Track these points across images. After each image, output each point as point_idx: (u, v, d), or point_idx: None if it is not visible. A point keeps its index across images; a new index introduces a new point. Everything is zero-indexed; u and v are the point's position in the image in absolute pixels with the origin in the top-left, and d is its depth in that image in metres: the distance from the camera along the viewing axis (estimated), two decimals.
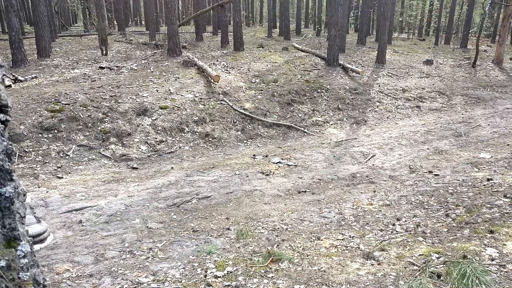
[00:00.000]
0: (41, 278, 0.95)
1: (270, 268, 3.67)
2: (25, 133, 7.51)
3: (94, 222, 5.15)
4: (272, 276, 3.49)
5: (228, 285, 3.43)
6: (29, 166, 7.01)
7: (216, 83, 10.80)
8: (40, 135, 7.60)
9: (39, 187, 6.31)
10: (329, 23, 15.02)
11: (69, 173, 6.98)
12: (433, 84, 13.52)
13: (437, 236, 3.84)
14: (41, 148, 7.38)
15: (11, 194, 0.87)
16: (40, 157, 7.23)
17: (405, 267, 3.10)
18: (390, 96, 12.09)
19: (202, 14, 20.60)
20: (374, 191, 5.81)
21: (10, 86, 10.01)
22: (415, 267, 2.97)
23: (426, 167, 6.87)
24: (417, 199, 5.28)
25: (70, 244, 4.55)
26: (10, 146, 0.93)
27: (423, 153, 7.67)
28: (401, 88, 12.72)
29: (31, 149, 7.32)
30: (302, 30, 27.68)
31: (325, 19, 27.37)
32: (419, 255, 3.29)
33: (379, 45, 15.74)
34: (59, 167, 7.07)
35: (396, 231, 4.30)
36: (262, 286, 3.33)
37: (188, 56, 13.69)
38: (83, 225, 5.04)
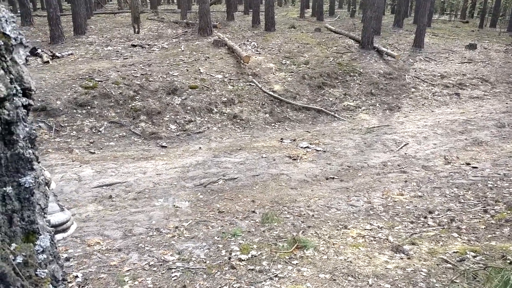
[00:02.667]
0: (59, 275, 0.92)
1: (295, 254, 3.63)
2: (61, 108, 7.71)
3: (123, 198, 5.25)
4: (296, 263, 3.45)
5: (252, 269, 3.42)
6: (64, 140, 7.22)
7: (246, 63, 10.68)
8: (75, 111, 7.78)
9: (73, 161, 6.49)
10: (365, 3, 14.47)
11: (101, 148, 7.14)
12: (476, 70, 12.84)
13: (473, 233, 3.67)
14: (75, 124, 7.57)
15: (31, 185, 0.83)
16: (74, 132, 7.42)
17: (437, 264, 2.98)
18: (426, 82, 11.60)
19: None
20: (406, 181, 5.63)
21: (48, 62, 10.26)
22: (449, 265, 2.85)
23: (464, 158, 6.58)
24: (452, 192, 5.07)
25: (101, 218, 4.67)
26: (34, 131, 0.89)
27: (460, 143, 7.34)
28: (439, 74, 12.18)
29: (66, 124, 7.52)
30: (335, 10, 26.90)
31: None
32: (453, 252, 3.15)
33: (417, 27, 15.06)
34: (92, 143, 7.24)
35: (428, 225, 4.15)
36: (286, 273, 3.30)
37: (219, 35, 13.58)
38: (113, 201, 5.15)
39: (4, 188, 0.79)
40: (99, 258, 3.76)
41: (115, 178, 5.82)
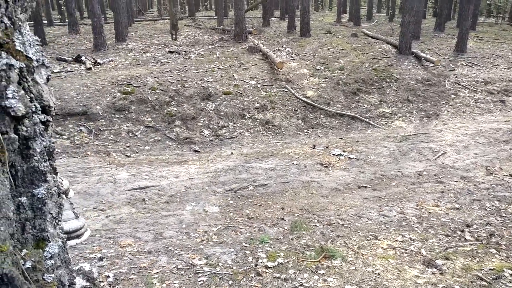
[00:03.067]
0: (66, 279, 0.97)
1: (322, 264, 3.57)
2: (100, 112, 8.04)
3: (155, 201, 5.38)
4: (323, 273, 3.40)
5: (278, 277, 3.40)
6: (103, 144, 7.51)
7: (279, 70, 10.69)
8: (113, 115, 8.09)
9: (110, 164, 6.73)
10: (403, 8, 14.12)
11: (137, 152, 7.37)
12: None
13: None
14: (113, 128, 7.87)
15: (44, 195, 0.88)
16: (112, 136, 7.71)
17: (471, 282, 2.84)
18: (468, 88, 11.12)
19: None
20: (442, 192, 5.41)
21: (90, 68, 10.75)
22: (484, 283, 2.70)
23: (507, 169, 6.24)
24: (492, 205, 4.82)
25: (134, 221, 4.81)
26: (52, 145, 0.94)
27: (504, 153, 6.96)
28: (482, 80, 11.64)
29: (104, 128, 7.83)
30: (373, 15, 26.39)
31: (400, 3, 25.78)
32: (490, 269, 2.98)
33: (459, 31, 14.49)
34: (128, 146, 7.49)
35: (465, 239, 3.96)
36: (311, 282, 3.25)
37: (254, 41, 13.68)
38: (145, 203, 5.29)
39: (19, 198, 0.84)
40: (130, 259, 3.86)
41: (149, 181, 5.98)
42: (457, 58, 13.42)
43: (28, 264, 0.85)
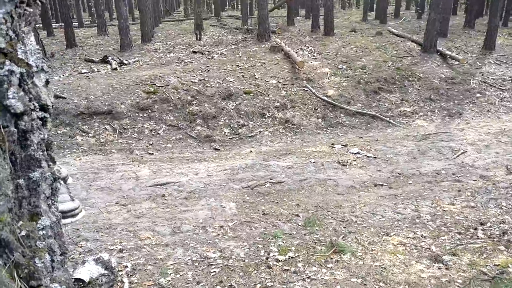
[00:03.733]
0: (56, 247, 1.14)
1: (331, 258, 3.66)
2: (124, 111, 8.36)
3: (175, 197, 5.58)
4: (331, 267, 3.49)
5: (287, 270, 3.51)
6: (126, 141, 7.82)
7: (300, 69, 10.76)
8: (137, 114, 8.40)
9: (132, 161, 7.02)
10: (430, 5, 13.86)
11: (159, 150, 7.64)
12: None
13: None
14: (136, 126, 8.17)
15: (38, 179, 1.07)
16: (135, 134, 8.02)
17: (474, 276, 2.86)
18: (494, 86, 10.83)
19: None
20: (459, 191, 5.36)
21: (116, 69, 11.16)
22: (486, 277, 2.73)
23: None
24: (509, 204, 4.75)
25: (153, 215, 5.02)
26: (51, 137, 1.11)
27: None
28: (510, 78, 11.30)
29: (128, 127, 8.14)
30: (402, 12, 25.87)
31: (429, 0, 25.23)
32: (495, 265, 3.00)
33: (488, 28, 14.07)
34: (151, 144, 7.77)
35: (477, 237, 3.95)
36: (319, 275, 3.35)
37: (276, 41, 13.79)
38: (165, 199, 5.50)
39: (18, 180, 1.03)
40: (148, 251, 4.06)
41: (169, 178, 6.20)
42: (484, 56, 13.06)
43: (23, 233, 1.03)
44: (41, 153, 1.09)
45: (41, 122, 1.10)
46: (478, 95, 10.39)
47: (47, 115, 1.11)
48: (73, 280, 2.87)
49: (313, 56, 12.47)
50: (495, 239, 3.72)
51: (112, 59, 11.86)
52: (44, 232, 1.10)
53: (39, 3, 1.03)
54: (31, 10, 0.99)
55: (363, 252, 3.73)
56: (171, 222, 4.79)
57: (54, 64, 11.77)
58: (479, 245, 3.57)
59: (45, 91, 1.11)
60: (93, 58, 12.35)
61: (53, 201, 1.16)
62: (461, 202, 4.93)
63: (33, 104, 1.05)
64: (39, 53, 1.09)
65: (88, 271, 2.96)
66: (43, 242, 1.09)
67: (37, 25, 11.89)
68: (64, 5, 15.40)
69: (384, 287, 2.94)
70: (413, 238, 4.00)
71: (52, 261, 1.10)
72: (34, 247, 1.06)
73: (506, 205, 4.68)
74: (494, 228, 4.03)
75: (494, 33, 13.82)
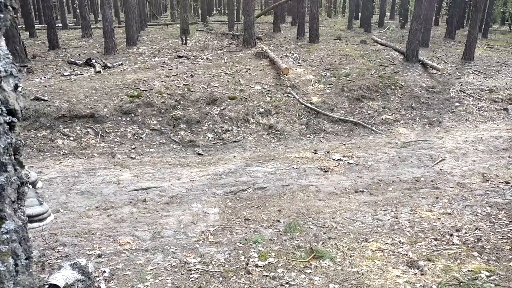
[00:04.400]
0: (20, 251, 1.14)
1: (310, 264, 3.70)
2: (107, 115, 8.28)
3: (156, 201, 5.55)
4: (310, 272, 3.52)
5: (266, 275, 3.53)
6: (108, 145, 7.74)
7: (285, 75, 10.85)
8: (120, 118, 8.33)
9: (114, 165, 6.95)
10: (412, 15, 14.16)
11: (141, 154, 7.58)
12: None
13: (496, 253, 3.54)
14: (119, 130, 8.10)
15: (3, 183, 1.07)
16: (118, 138, 7.94)
17: (448, 281, 2.93)
18: (472, 96, 11.12)
19: (280, 5, 20.66)
20: (437, 197, 5.48)
21: (99, 72, 11.06)
22: (458, 283, 2.80)
23: (504, 177, 6.28)
24: (484, 211, 4.88)
25: (134, 220, 4.98)
26: (19, 142, 1.12)
27: (502, 161, 7.00)
28: (487, 88, 11.62)
29: (111, 130, 8.07)
30: (386, 22, 26.38)
31: (412, 10, 25.69)
32: (468, 270, 3.07)
33: (467, 39, 14.47)
34: (133, 148, 7.71)
35: (453, 243, 4.04)
36: (298, 281, 3.38)
37: (262, 47, 13.88)
38: (146, 204, 5.47)
39: None
40: (128, 256, 4.03)
41: (151, 182, 6.16)
42: (464, 66, 13.41)
43: None
44: (7, 157, 1.09)
45: (8, 126, 1.10)
46: (457, 104, 10.65)
47: (15, 119, 1.11)
48: (47, 286, 2.83)
49: (298, 63, 12.59)
50: (469, 245, 3.82)
51: (96, 62, 11.75)
52: (8, 236, 1.10)
53: (10, 9, 1.03)
54: (2, 15, 0.99)
55: (342, 258, 3.78)
56: (151, 227, 4.76)
57: (36, 66, 11.59)
58: (454, 251, 3.65)
59: (13, 95, 1.11)
60: (76, 61, 12.21)
61: (19, 205, 1.16)
62: (439, 209, 5.04)
63: (0, 108, 1.05)
64: (8, 57, 1.09)
65: (63, 276, 2.92)
66: (7, 246, 1.08)
67: (18, 26, 11.69)
68: (47, 6, 15.19)
69: None
70: (391, 244, 4.07)
71: (16, 265, 1.10)
72: None
73: (481, 212, 4.80)
74: (469, 235, 4.13)
75: (473, 44, 14.22)
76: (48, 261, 3.81)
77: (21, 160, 1.15)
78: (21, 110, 1.12)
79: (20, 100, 1.13)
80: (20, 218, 1.15)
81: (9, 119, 1.08)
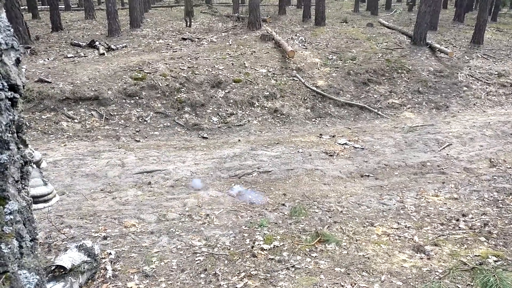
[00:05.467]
0: (25, 233, 1.10)
1: (316, 248, 3.69)
2: (111, 98, 8.23)
3: (161, 184, 5.54)
4: (315, 256, 3.51)
5: (272, 259, 3.53)
6: (113, 128, 7.72)
7: (290, 58, 10.71)
8: (124, 101, 8.28)
9: (119, 148, 6.94)
10: None
11: (146, 137, 7.55)
12: None
13: (503, 239, 3.51)
14: (123, 113, 8.06)
15: (6, 161, 1.02)
16: (122, 121, 7.91)
17: (455, 266, 2.91)
18: (481, 80, 10.95)
19: None
20: (443, 182, 5.43)
21: (103, 54, 10.96)
22: (466, 267, 2.78)
23: (511, 162, 6.21)
24: (491, 196, 4.84)
25: (139, 203, 4.98)
26: (22, 119, 1.07)
27: (510, 146, 6.91)
28: (496, 72, 11.43)
29: (115, 113, 8.03)
30: (393, 5, 25.87)
31: None
32: (475, 255, 3.05)
33: (477, 22, 14.17)
34: (138, 131, 7.69)
35: (459, 227, 4.02)
36: (303, 264, 3.37)
37: (267, 30, 13.67)
38: (151, 187, 5.46)
39: None
40: (133, 239, 4.04)
41: (156, 165, 6.15)
42: (472, 50, 13.17)
43: None
44: (9, 135, 1.04)
45: (10, 102, 1.04)
46: (465, 88, 10.50)
47: (17, 95, 1.06)
48: (53, 267, 2.83)
49: (304, 46, 12.41)
50: (476, 230, 3.79)
51: (100, 44, 11.63)
52: (11, 217, 1.06)
53: None
54: None
55: (348, 242, 3.77)
56: (156, 210, 4.76)
57: (39, 48, 11.50)
58: (460, 236, 3.62)
59: (15, 70, 1.06)
60: (79, 43, 12.09)
61: (23, 185, 1.11)
62: (445, 194, 5.00)
63: (2, 83, 1.00)
64: (9, 30, 1.04)
65: (70, 258, 2.93)
66: (10, 228, 1.05)
67: (21, 7, 11.56)
68: None
69: (367, 276, 2.98)
70: (397, 228, 4.05)
71: (21, 247, 1.07)
72: (0, 232, 1.02)
73: (488, 197, 4.76)
74: (476, 220, 4.10)
75: (483, 27, 13.92)
76: (54, 243, 3.83)
77: (24, 139, 1.10)
78: (23, 86, 1.07)
79: (22, 75, 1.08)
80: (24, 199, 1.11)
81: (11, 94, 1.03)
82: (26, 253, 1.06)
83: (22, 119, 1.09)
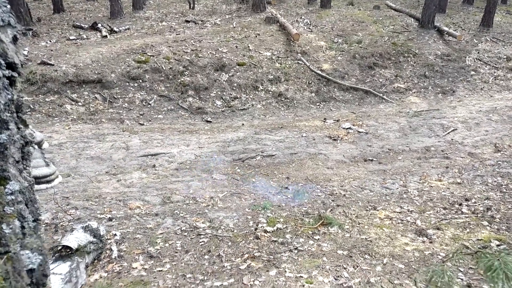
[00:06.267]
0: (27, 213, 1.11)
1: (319, 230, 3.71)
2: (115, 81, 8.21)
3: (165, 167, 5.57)
4: (318, 238, 3.54)
5: (275, 241, 3.56)
6: (117, 111, 7.73)
7: (295, 41, 10.59)
8: (127, 84, 8.26)
9: (123, 131, 6.96)
10: None
11: (150, 121, 7.56)
12: None
13: (506, 223, 3.52)
14: (127, 96, 8.05)
15: (5, 141, 1.02)
16: (126, 104, 7.91)
17: (457, 250, 2.93)
18: (489, 64, 10.80)
19: None
20: (447, 167, 5.42)
21: (106, 36, 10.88)
22: (469, 251, 2.80)
23: None
24: (494, 181, 4.83)
25: (143, 185, 5.02)
26: (21, 99, 1.06)
27: None
28: (505, 56, 11.26)
29: (119, 96, 8.02)
30: None
31: None
32: (477, 239, 3.07)
33: (487, 4, 13.88)
34: (141, 115, 7.69)
35: (462, 212, 4.03)
36: (306, 246, 3.40)
37: (272, 12, 13.49)
38: (156, 170, 5.49)
39: None
40: (138, 220, 4.08)
41: (160, 148, 6.18)
42: (481, 33, 12.94)
43: None
44: (8, 114, 1.04)
45: (8, 81, 1.04)
46: (472, 72, 10.37)
47: (15, 74, 1.05)
48: (60, 247, 2.88)
49: (309, 28, 12.25)
50: (478, 215, 3.80)
51: (102, 26, 11.54)
52: (13, 197, 1.07)
53: None
54: None
55: (350, 225, 3.79)
56: (161, 192, 4.80)
57: (41, 30, 11.43)
58: (463, 220, 3.64)
59: (12, 48, 1.05)
60: (82, 25, 12.00)
61: (24, 166, 1.12)
62: (448, 179, 5.00)
63: None
64: (5, 6, 1.02)
65: (76, 238, 2.97)
66: (12, 208, 1.06)
67: None
68: None
69: (369, 259, 3.00)
70: (399, 212, 4.07)
71: (23, 227, 1.08)
72: (2, 213, 1.03)
73: (492, 182, 4.75)
74: (479, 204, 4.10)
75: (493, 10, 13.65)
76: (61, 223, 3.88)
77: (24, 119, 1.10)
78: (21, 64, 1.06)
79: (20, 54, 1.07)
80: (26, 179, 1.12)
81: (9, 73, 1.02)
82: (29, 234, 1.07)
83: (21, 98, 1.09)
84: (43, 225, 3.86)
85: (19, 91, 1.09)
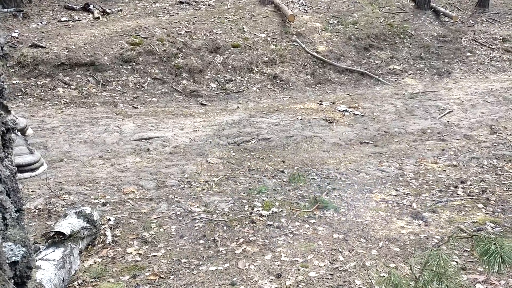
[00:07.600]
0: (8, 204, 1.06)
1: (314, 214, 3.71)
2: (108, 63, 8.07)
3: (160, 151, 5.53)
4: (314, 222, 3.54)
5: (270, 225, 3.56)
6: (110, 94, 7.61)
7: (291, 22, 10.42)
8: (121, 66, 8.12)
9: (116, 115, 6.87)
10: None
11: (143, 104, 7.47)
12: None
13: (501, 205, 3.53)
14: (120, 79, 7.93)
15: None
16: (119, 87, 7.79)
17: (452, 233, 2.94)
18: (485, 45, 10.72)
19: None
20: (443, 149, 5.42)
21: (98, 18, 10.63)
22: (464, 234, 2.81)
23: None
24: (490, 163, 4.83)
25: (137, 169, 4.98)
26: (2, 83, 0.99)
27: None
28: (501, 37, 11.18)
29: (112, 79, 7.89)
30: None
31: None
32: (473, 222, 3.07)
33: None
34: (135, 98, 7.59)
35: (457, 194, 4.04)
36: (301, 230, 3.40)
37: None
38: (150, 153, 5.44)
39: None
40: (132, 205, 4.05)
41: (154, 132, 6.11)
42: (478, 14, 12.81)
43: None
44: None
45: None
46: (468, 54, 10.30)
47: None
48: (53, 233, 2.84)
49: (304, 9, 12.04)
50: (474, 197, 3.81)
51: (94, 7, 11.26)
52: None
53: None
54: None
55: (346, 209, 3.79)
56: (155, 177, 4.76)
57: (31, 11, 11.14)
58: (458, 203, 3.65)
59: None
60: (73, 6, 11.70)
61: (6, 154, 1.05)
62: (444, 161, 5.00)
63: None
64: None
65: (69, 224, 2.94)
66: None
67: None
68: None
69: (365, 242, 3.01)
70: (395, 195, 4.07)
71: (4, 218, 1.02)
72: None
73: (487, 164, 4.76)
74: (474, 187, 4.11)
75: None
76: (54, 209, 3.85)
77: (5, 104, 1.04)
78: (1, 47, 0.99)
79: (1, 36, 1.00)
80: (8, 168, 1.06)
81: None
82: (11, 225, 1.02)
83: (2, 83, 1.02)
84: (36, 211, 3.82)
85: (0, 75, 1.02)
